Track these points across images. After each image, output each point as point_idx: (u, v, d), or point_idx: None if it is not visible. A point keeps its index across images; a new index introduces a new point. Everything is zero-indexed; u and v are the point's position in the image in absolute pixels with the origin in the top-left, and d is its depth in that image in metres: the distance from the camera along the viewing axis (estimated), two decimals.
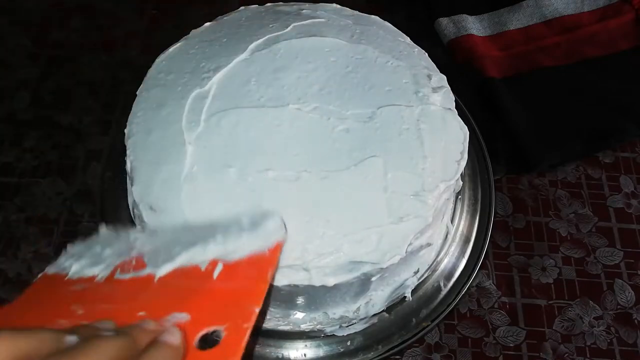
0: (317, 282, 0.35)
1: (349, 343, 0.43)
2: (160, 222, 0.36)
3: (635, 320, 0.49)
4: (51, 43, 0.65)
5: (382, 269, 0.36)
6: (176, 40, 0.45)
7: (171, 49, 0.44)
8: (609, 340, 0.48)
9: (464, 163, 0.40)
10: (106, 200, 0.48)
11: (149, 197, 0.37)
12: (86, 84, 0.62)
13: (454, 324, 0.48)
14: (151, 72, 0.43)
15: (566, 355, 0.47)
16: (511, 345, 0.47)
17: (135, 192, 0.38)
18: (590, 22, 0.63)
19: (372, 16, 0.47)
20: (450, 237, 0.45)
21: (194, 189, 0.37)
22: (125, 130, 0.41)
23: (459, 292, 0.44)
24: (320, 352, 0.42)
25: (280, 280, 0.36)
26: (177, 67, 0.43)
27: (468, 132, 0.42)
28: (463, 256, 0.46)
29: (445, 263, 0.45)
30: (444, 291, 0.45)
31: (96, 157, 0.57)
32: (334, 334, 0.42)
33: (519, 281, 0.50)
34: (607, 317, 0.49)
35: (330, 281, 0.36)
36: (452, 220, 0.46)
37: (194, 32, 0.45)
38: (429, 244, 0.41)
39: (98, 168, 0.56)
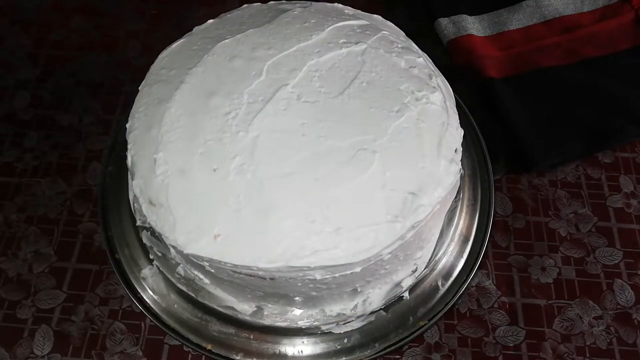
0: (313, 279, 0.36)
1: (345, 340, 0.43)
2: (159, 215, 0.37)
3: (635, 320, 0.49)
4: (51, 43, 0.65)
5: (378, 266, 0.36)
6: (176, 40, 0.45)
7: (174, 45, 0.44)
8: (608, 340, 0.48)
9: (458, 162, 0.40)
10: (107, 195, 0.48)
11: (148, 192, 0.38)
12: (86, 84, 0.62)
13: (453, 323, 0.48)
14: (154, 67, 0.43)
15: (566, 355, 0.47)
16: (511, 345, 0.48)
17: (136, 186, 0.38)
18: (590, 22, 0.62)
19: (374, 15, 0.47)
20: (449, 236, 0.46)
21: (193, 185, 0.37)
22: (127, 125, 0.41)
23: (457, 291, 0.44)
24: (317, 349, 0.43)
25: (278, 277, 0.36)
26: (179, 63, 0.43)
27: (463, 132, 0.42)
28: (462, 255, 0.46)
29: (443, 262, 0.45)
30: (442, 290, 0.45)
31: (96, 157, 0.57)
32: (331, 331, 0.43)
33: (519, 281, 0.50)
34: (607, 317, 0.49)
35: (327, 278, 0.36)
36: (451, 220, 0.46)
37: (196, 28, 0.46)
38: (426, 243, 0.41)
39: (98, 168, 0.56)
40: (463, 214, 0.48)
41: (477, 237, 0.47)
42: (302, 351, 0.43)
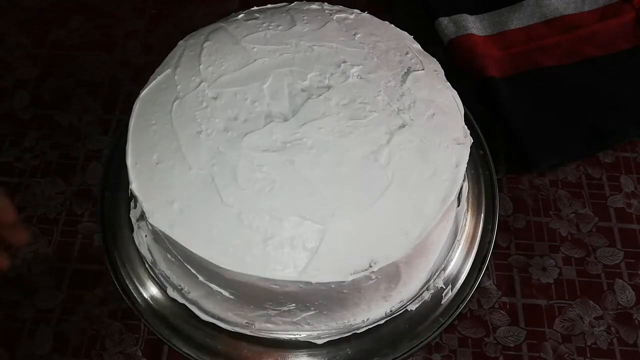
0: (316, 292, 0.35)
1: (349, 351, 0.42)
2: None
3: (636, 321, 0.49)
4: (51, 43, 0.65)
5: (388, 278, 0.36)
6: (176, 39, 0.45)
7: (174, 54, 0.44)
8: (609, 341, 0.48)
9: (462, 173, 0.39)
10: (107, 195, 0.48)
11: (147, 193, 0.37)
12: (86, 83, 0.62)
13: (454, 324, 0.48)
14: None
15: (566, 355, 0.47)
16: (511, 345, 0.47)
17: (134, 188, 0.38)
18: (591, 21, 0.62)
19: (376, 18, 0.47)
20: (455, 242, 0.45)
21: (195, 189, 0.37)
22: (128, 124, 0.41)
23: (464, 298, 0.44)
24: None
25: (280, 290, 0.35)
26: (182, 68, 0.42)
27: (469, 131, 0.42)
28: (468, 260, 0.46)
29: (450, 268, 0.45)
30: (450, 296, 0.44)
31: (96, 157, 0.57)
32: (334, 342, 0.42)
33: (519, 281, 0.50)
34: (608, 317, 0.49)
35: (329, 291, 0.35)
36: (456, 226, 0.45)
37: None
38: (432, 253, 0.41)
39: (98, 168, 0.56)
40: (467, 218, 0.47)
41: (483, 240, 0.47)
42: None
